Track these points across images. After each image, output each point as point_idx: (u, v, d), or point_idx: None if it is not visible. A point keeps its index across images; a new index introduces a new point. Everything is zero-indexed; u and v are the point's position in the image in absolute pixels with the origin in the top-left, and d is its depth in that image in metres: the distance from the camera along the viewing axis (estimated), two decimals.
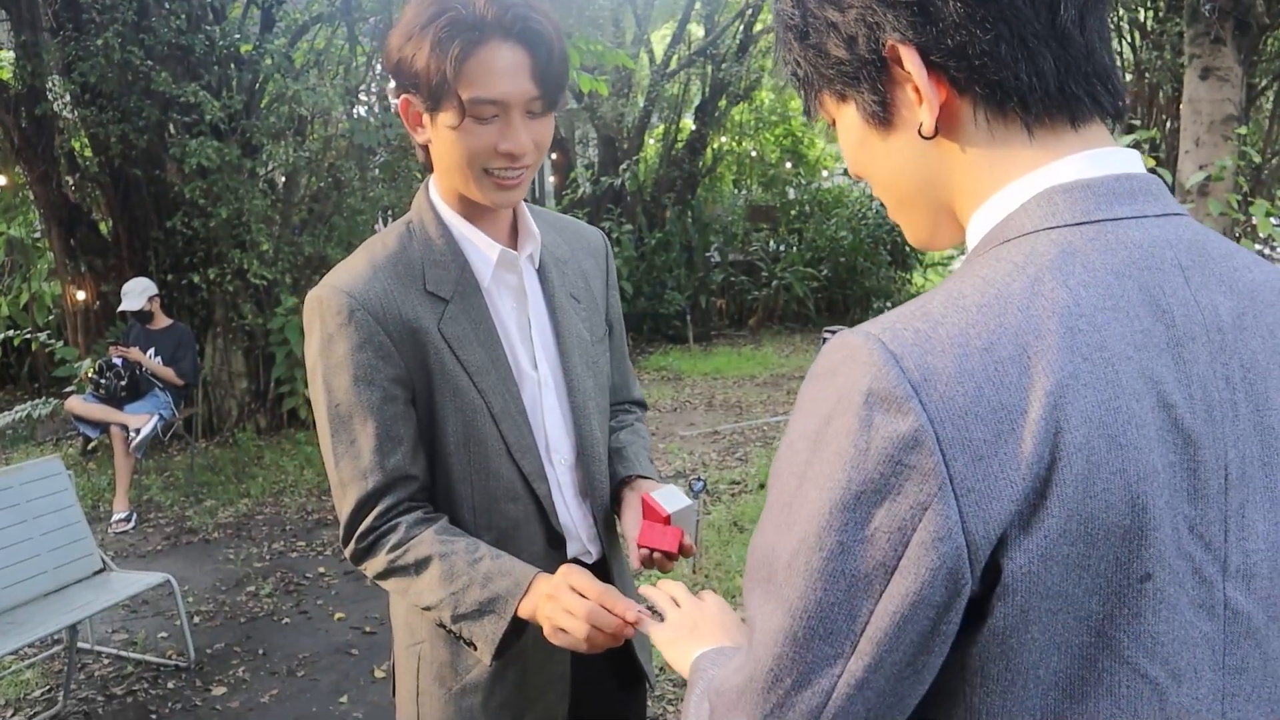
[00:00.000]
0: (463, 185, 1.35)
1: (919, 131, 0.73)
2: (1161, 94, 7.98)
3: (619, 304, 1.65)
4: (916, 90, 0.72)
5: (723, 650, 0.94)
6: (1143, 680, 0.67)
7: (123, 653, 3.99)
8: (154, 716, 3.50)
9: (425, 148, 1.38)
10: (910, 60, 0.71)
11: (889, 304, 12.77)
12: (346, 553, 1.39)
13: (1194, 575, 0.67)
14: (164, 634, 4.19)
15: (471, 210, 1.40)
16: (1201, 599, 0.68)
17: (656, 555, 1.39)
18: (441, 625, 1.35)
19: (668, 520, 1.38)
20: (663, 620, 1.15)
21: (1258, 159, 6.45)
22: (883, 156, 0.78)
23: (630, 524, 1.47)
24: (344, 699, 3.58)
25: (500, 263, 1.41)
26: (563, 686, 1.48)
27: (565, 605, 1.22)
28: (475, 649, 1.33)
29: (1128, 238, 0.69)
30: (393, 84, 1.35)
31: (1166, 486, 0.65)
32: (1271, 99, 10.36)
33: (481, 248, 1.40)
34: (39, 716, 3.49)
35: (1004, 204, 0.72)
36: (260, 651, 4.00)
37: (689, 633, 1.06)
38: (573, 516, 1.49)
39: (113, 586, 3.70)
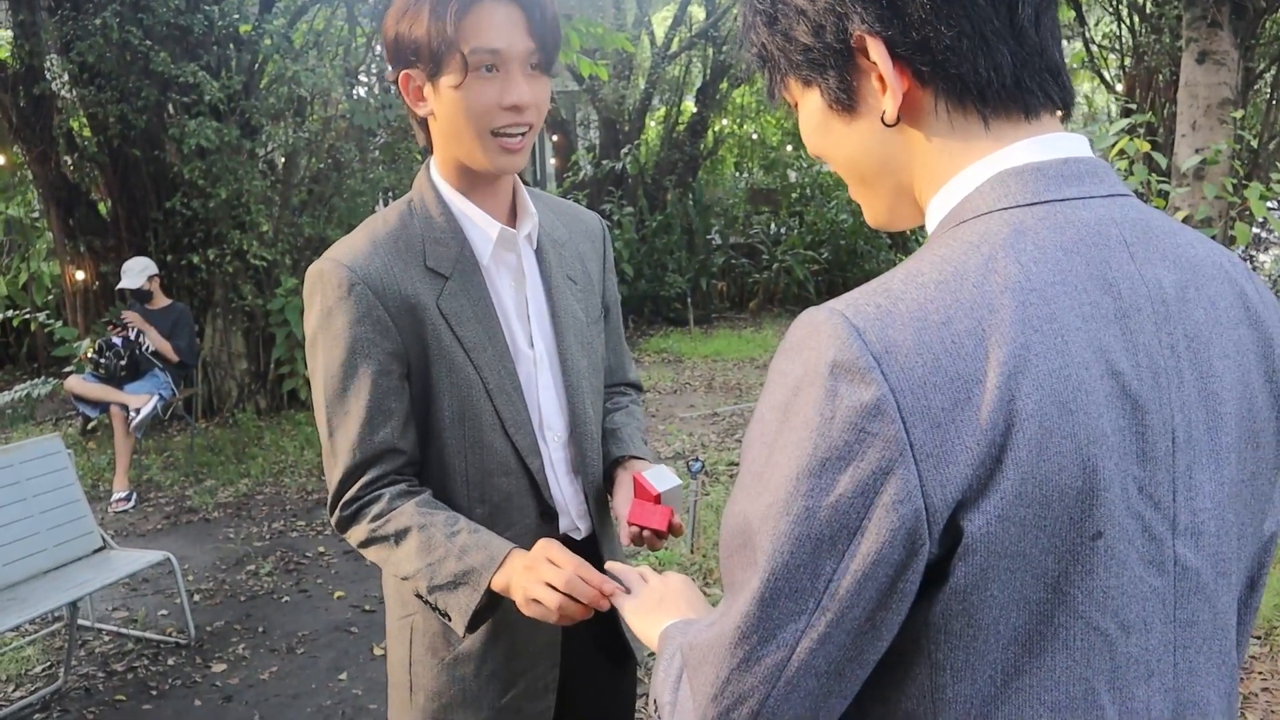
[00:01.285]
0: (467, 152, 1.37)
1: (881, 119, 0.76)
2: (1159, 77, 7.96)
3: (616, 287, 1.69)
4: (880, 79, 0.75)
5: (690, 621, 0.98)
6: (1094, 632, 0.71)
7: (123, 630, 4.03)
8: (154, 692, 3.54)
9: (425, 125, 1.41)
10: (877, 52, 0.74)
11: None
12: (331, 520, 1.43)
13: (1144, 533, 0.71)
14: (164, 612, 4.23)
15: (472, 186, 1.43)
16: (1151, 555, 0.72)
17: (646, 533, 1.41)
18: (418, 595, 1.38)
19: (658, 499, 1.41)
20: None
21: (1254, 142, 6.45)
22: (844, 140, 0.81)
23: (622, 503, 1.50)
24: (343, 675, 3.62)
25: (500, 241, 1.44)
26: (553, 656, 1.51)
27: (542, 576, 1.25)
28: (449, 620, 1.36)
29: (1076, 217, 0.73)
30: (390, 67, 1.38)
31: (1116, 449, 0.69)
32: (1269, 82, 10.33)
33: (482, 226, 1.43)
34: (40, 692, 3.53)
35: (960, 187, 0.76)
36: (260, 629, 4.04)
37: (656, 605, 1.10)
38: (564, 492, 1.52)
39: (113, 564, 3.74)
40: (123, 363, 5.89)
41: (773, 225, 13.72)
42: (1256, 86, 8.93)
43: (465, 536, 1.34)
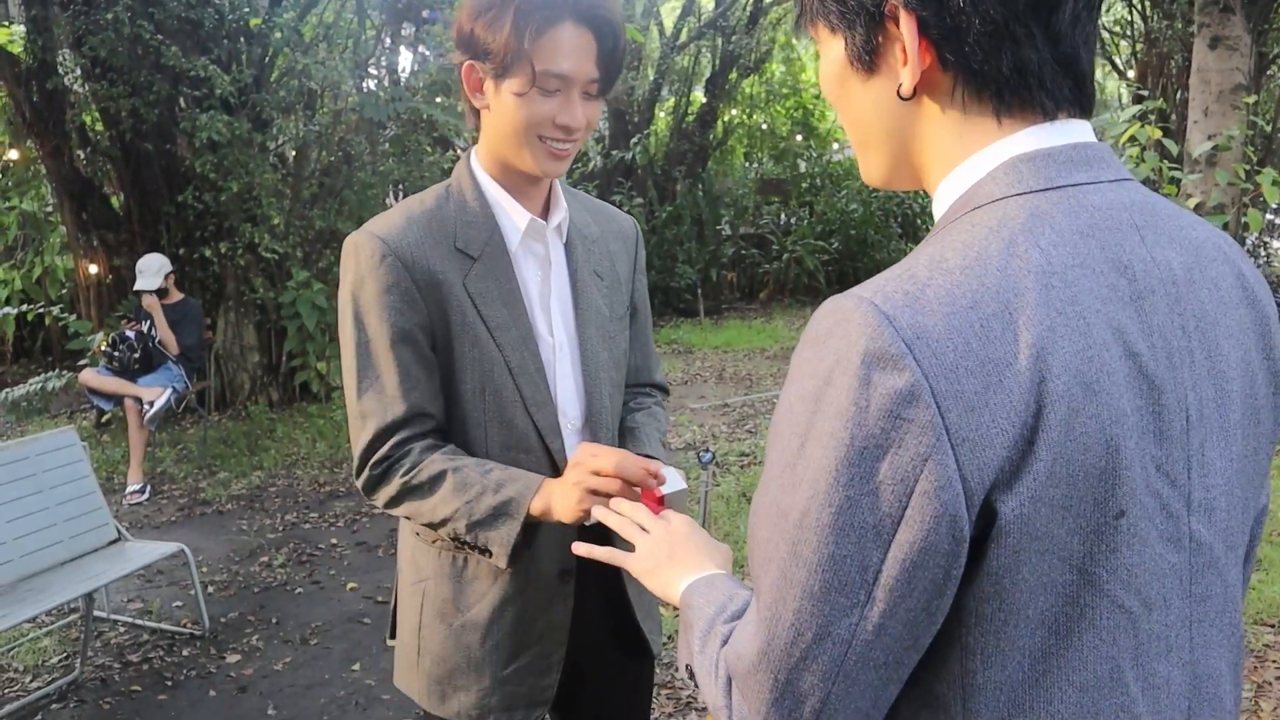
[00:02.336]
0: (514, 151, 1.44)
1: (898, 91, 0.77)
2: (1171, 63, 7.90)
3: (646, 290, 1.74)
4: (904, 51, 0.75)
5: (713, 582, 0.96)
6: (1120, 611, 0.71)
7: (138, 621, 4.06)
8: (169, 683, 3.57)
9: (478, 114, 1.47)
10: (906, 26, 0.74)
11: None
12: (359, 482, 1.46)
13: (1162, 511, 0.72)
14: (178, 603, 4.26)
15: (511, 180, 1.50)
16: (1169, 533, 0.73)
17: None
18: (456, 539, 1.42)
19: (660, 501, 1.41)
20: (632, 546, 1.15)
21: (1267, 128, 6.40)
22: (857, 97, 0.81)
23: None
24: (356, 666, 3.65)
25: (529, 231, 1.49)
26: (560, 636, 1.54)
27: (591, 466, 1.30)
28: (491, 556, 1.40)
29: (1088, 201, 0.73)
30: (457, 52, 1.44)
31: (1135, 429, 0.69)
32: None
33: (513, 215, 1.49)
34: (57, 683, 3.56)
35: (970, 173, 0.76)
36: (274, 620, 4.07)
37: (667, 559, 1.05)
38: None
39: (128, 556, 3.76)
40: (136, 356, 5.92)
41: (783, 215, 13.69)
42: (1269, 72, 8.86)
43: (499, 473, 1.39)
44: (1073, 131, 0.76)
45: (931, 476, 0.65)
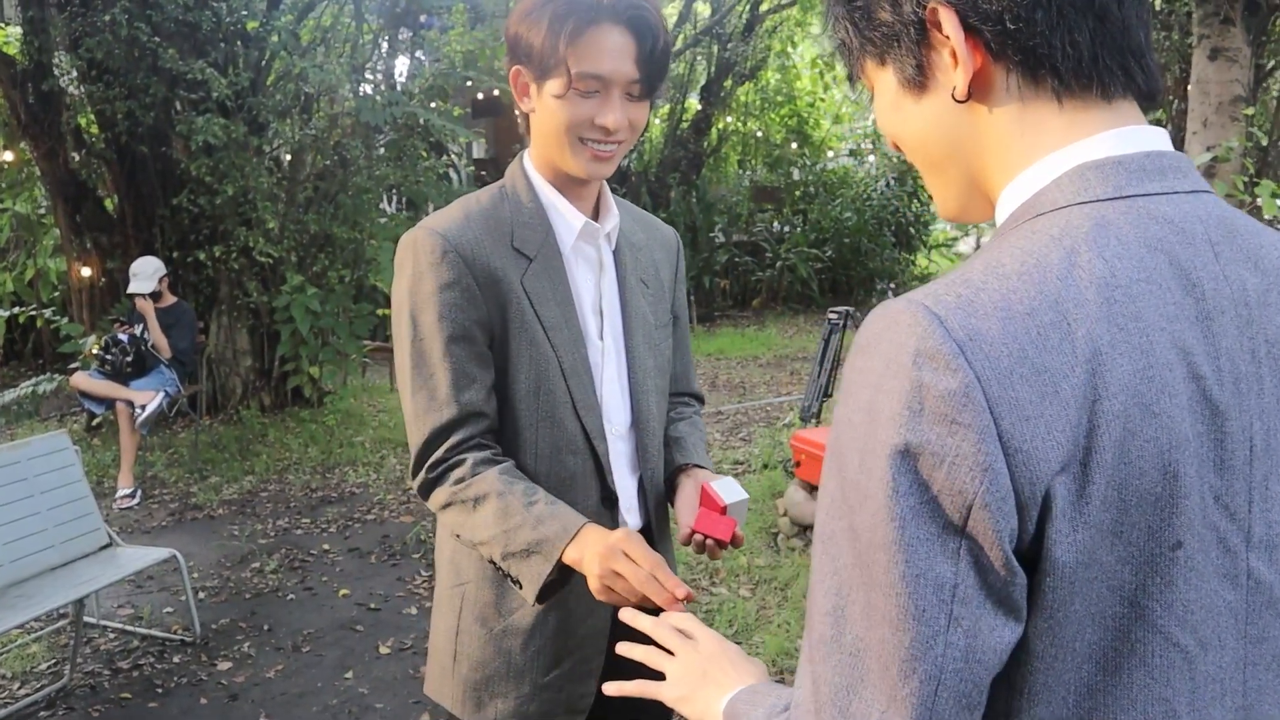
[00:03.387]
0: (559, 154, 1.44)
1: (952, 95, 0.75)
2: (1169, 74, 7.94)
3: (685, 299, 1.74)
4: (953, 54, 0.73)
5: (755, 689, 0.90)
6: (1174, 649, 0.68)
7: (128, 627, 4.02)
8: (160, 690, 3.52)
9: (527, 118, 1.47)
10: (949, 22, 0.72)
11: (893, 285, 12.76)
12: (414, 483, 1.45)
13: (1219, 545, 0.68)
14: (169, 609, 4.22)
15: (562, 182, 1.50)
16: (1226, 569, 0.69)
17: (710, 542, 1.43)
18: (491, 562, 1.40)
19: (724, 510, 1.42)
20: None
21: (1265, 140, 6.43)
22: (915, 119, 0.79)
23: (684, 509, 1.53)
24: (349, 674, 3.61)
25: (583, 234, 1.50)
26: (600, 643, 1.52)
27: (618, 569, 1.25)
28: (521, 588, 1.38)
29: (1159, 212, 0.70)
30: (507, 57, 1.45)
31: (1195, 456, 0.66)
32: (1279, 80, 10.29)
33: (567, 216, 1.50)
34: (45, 689, 3.52)
35: (1035, 179, 0.73)
36: (265, 627, 4.03)
37: (700, 682, 0.97)
38: (620, 482, 1.54)
39: (119, 561, 3.72)
40: (129, 359, 5.88)
41: (776, 223, 13.71)
42: (1267, 84, 8.90)
43: (542, 507, 1.36)
44: (1148, 139, 0.73)
45: (990, 489, 0.62)
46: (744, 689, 0.91)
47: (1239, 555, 0.70)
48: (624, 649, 1.11)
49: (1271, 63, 8.42)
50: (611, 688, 1.11)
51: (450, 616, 1.54)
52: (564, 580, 1.37)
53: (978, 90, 0.74)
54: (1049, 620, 0.65)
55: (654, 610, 1.25)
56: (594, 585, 1.29)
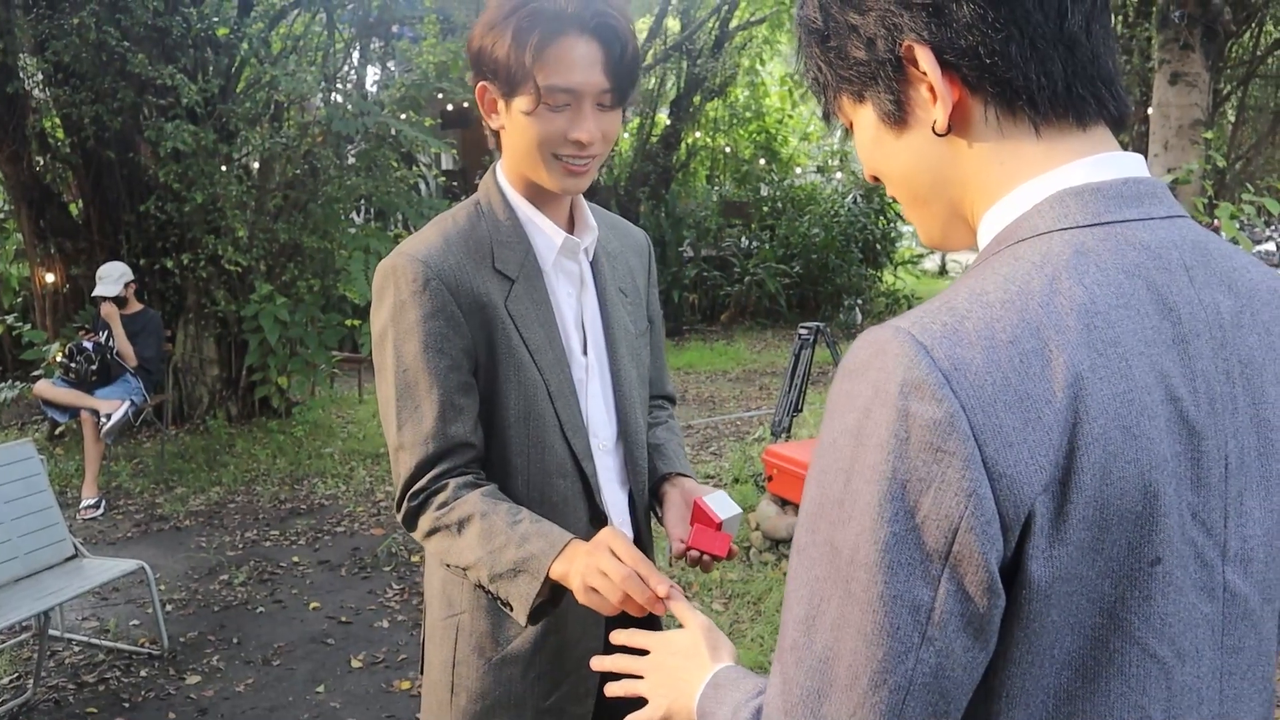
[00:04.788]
0: (532, 170, 1.42)
1: (932, 129, 0.76)
2: (1130, 98, 8.11)
3: (658, 302, 1.72)
4: (931, 89, 0.75)
5: (720, 685, 0.91)
6: (1152, 660, 0.70)
7: (94, 640, 3.96)
8: (126, 705, 3.47)
9: (497, 134, 1.44)
10: (925, 59, 0.74)
11: (860, 301, 12.87)
12: (399, 516, 1.42)
13: (1196, 559, 0.71)
14: (136, 622, 4.16)
15: (537, 195, 1.47)
16: (1203, 582, 0.72)
17: (705, 557, 1.43)
18: (480, 587, 1.37)
19: (719, 526, 1.42)
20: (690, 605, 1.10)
21: (1222, 163, 6.58)
22: (897, 154, 0.81)
23: (674, 522, 1.52)
24: (320, 688, 3.58)
25: (563, 249, 1.47)
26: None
27: (602, 566, 1.23)
28: (511, 610, 1.35)
29: (1136, 239, 0.73)
30: (472, 72, 1.42)
31: (1174, 475, 0.69)
32: (1235, 104, 10.55)
33: (547, 232, 1.47)
34: (8, 704, 3.45)
35: (1015, 205, 0.75)
36: (235, 640, 3.98)
37: (675, 688, 0.98)
38: (610, 498, 1.54)
39: (85, 573, 3.67)
40: (93, 367, 5.79)
41: (745, 238, 13.78)
42: (1223, 108, 9.12)
43: (527, 525, 1.33)
44: (1124, 165, 0.75)
45: (975, 513, 0.64)
46: (708, 685, 0.93)
47: (1215, 569, 0.72)
48: (597, 664, 1.12)
49: (1228, 88, 8.64)
50: (599, 661, 1.12)
51: (445, 648, 1.51)
52: (556, 600, 1.35)
53: (957, 123, 0.76)
54: (1025, 629, 0.68)
55: (637, 620, 1.26)
56: (576, 584, 1.26)
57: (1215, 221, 5.05)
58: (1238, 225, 5.22)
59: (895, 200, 0.86)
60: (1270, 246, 19.09)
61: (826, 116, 0.86)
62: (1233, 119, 10.97)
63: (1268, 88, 12.26)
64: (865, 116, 0.82)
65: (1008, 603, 0.67)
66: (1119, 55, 0.83)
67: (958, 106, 0.75)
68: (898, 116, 0.79)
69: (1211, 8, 5.47)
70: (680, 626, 1.08)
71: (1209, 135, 5.43)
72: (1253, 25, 9.89)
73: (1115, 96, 0.76)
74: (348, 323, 7.65)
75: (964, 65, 0.74)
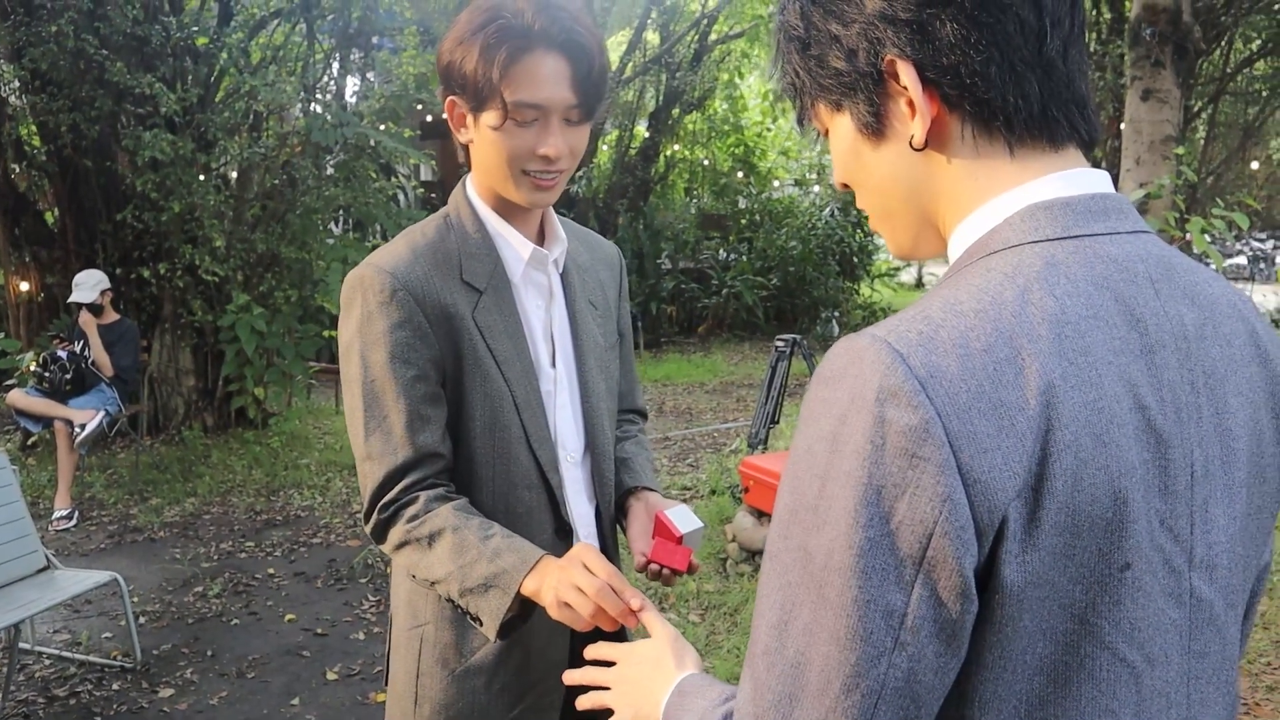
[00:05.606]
0: (500, 184, 1.42)
1: (910, 143, 0.78)
2: (1103, 114, 8.22)
3: (629, 315, 1.73)
4: (910, 104, 0.77)
5: (685, 693, 0.92)
6: (1122, 664, 0.72)
7: (65, 653, 3.91)
8: (98, 718, 3.43)
9: (466, 148, 1.45)
10: (907, 75, 0.75)
11: (837, 313, 12.95)
12: (368, 527, 1.42)
13: (1164, 565, 0.73)
14: (108, 634, 4.11)
15: (506, 208, 1.48)
16: (1171, 588, 0.73)
17: (666, 571, 1.42)
18: (450, 601, 1.37)
19: (680, 540, 1.42)
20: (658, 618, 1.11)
21: (1194, 178, 6.68)
22: (872, 165, 0.82)
23: (637, 535, 1.52)
24: (295, 701, 3.55)
25: (531, 261, 1.48)
26: (560, 673, 1.49)
27: (575, 580, 1.24)
28: (481, 625, 1.35)
29: (1104, 252, 0.74)
30: (441, 86, 1.42)
31: (1142, 482, 0.70)
32: (1205, 120, 10.72)
33: (515, 245, 1.47)
34: None
35: (987, 218, 0.77)
36: (209, 653, 3.95)
37: (643, 699, 0.99)
38: (576, 511, 1.53)
39: (58, 585, 3.63)
40: (68, 377, 5.74)
41: (722, 251, 13.84)
42: (1194, 124, 9.26)
43: (499, 540, 1.33)
44: (1092, 181, 0.77)
45: (950, 518, 0.65)
46: (674, 693, 0.94)
47: (1183, 575, 0.74)
48: (569, 678, 1.13)
49: (1199, 104, 8.78)
50: (570, 676, 1.12)
51: (409, 659, 1.51)
52: (525, 615, 1.35)
53: (934, 138, 0.78)
54: (998, 634, 0.69)
55: (609, 634, 1.27)
56: (549, 600, 1.26)
57: (1187, 236, 5.13)
58: (1209, 239, 5.30)
59: (864, 211, 0.87)
60: (1241, 260, 19.40)
61: (800, 122, 0.87)
62: (1204, 135, 11.15)
63: (1237, 104, 12.47)
64: (842, 126, 0.83)
65: (981, 608, 0.68)
66: (1092, 75, 0.85)
67: (935, 122, 0.77)
68: (875, 128, 0.80)
69: (1182, 25, 5.56)
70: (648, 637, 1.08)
71: (1180, 151, 5.50)
72: (1222, 43, 10.07)
73: (1087, 120, 0.78)
74: (325, 333, 7.61)
75: (944, 83, 0.75)
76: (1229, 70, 10.58)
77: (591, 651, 1.12)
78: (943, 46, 0.74)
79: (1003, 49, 0.74)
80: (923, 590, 0.66)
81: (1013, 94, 0.75)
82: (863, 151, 0.82)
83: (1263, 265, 19.42)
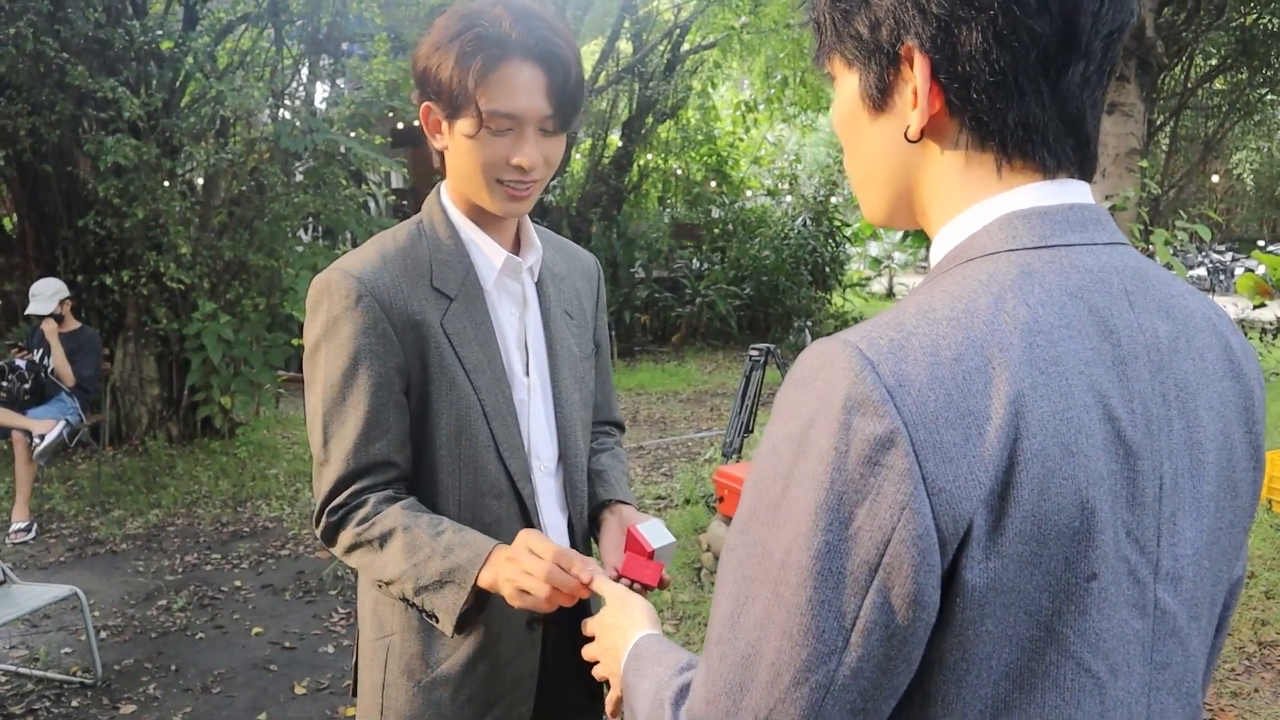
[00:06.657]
0: (474, 192, 1.42)
1: (905, 133, 0.78)
2: None
3: (606, 326, 1.72)
4: (914, 94, 0.76)
5: (641, 658, 0.96)
6: (1086, 674, 0.72)
7: (21, 669, 3.83)
8: None
9: (441, 154, 1.44)
10: (920, 67, 0.75)
11: (809, 322, 13.01)
12: (318, 531, 1.42)
13: (1129, 576, 0.73)
14: (68, 649, 4.03)
15: (480, 216, 1.47)
16: (1135, 599, 0.73)
17: (636, 586, 1.41)
18: (405, 600, 1.37)
19: (651, 555, 1.42)
20: (614, 579, 1.19)
21: (1157, 190, 6.78)
22: (865, 134, 0.82)
23: (610, 548, 1.51)
24: (262, 716, 3.49)
25: (504, 269, 1.47)
26: (530, 683, 1.50)
27: (525, 567, 1.25)
28: (437, 622, 1.35)
29: (1080, 262, 0.74)
30: (416, 92, 1.41)
31: (1110, 493, 0.70)
32: (1168, 134, 10.90)
33: (488, 252, 1.46)
34: None
35: (967, 224, 0.77)
36: (172, 668, 3.87)
37: (614, 663, 1.07)
38: (548, 521, 1.53)
39: (15, 599, 3.54)
40: (27, 386, 5.63)
41: (696, 260, 13.88)
42: (1157, 138, 9.40)
43: (450, 535, 1.34)
44: (1071, 192, 0.77)
45: (909, 525, 0.65)
46: (630, 656, 0.98)
47: (1148, 587, 0.74)
48: (589, 653, 1.18)
49: (1161, 118, 8.91)
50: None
51: (376, 671, 1.49)
52: (480, 607, 1.35)
53: (930, 132, 0.77)
54: (960, 636, 0.69)
55: (574, 611, 1.30)
56: (507, 591, 1.28)
57: (1150, 247, 5.20)
58: (1171, 251, 5.37)
59: (847, 173, 0.87)
60: (1202, 272, 19.70)
61: (818, 60, 0.86)
62: (1166, 148, 11.33)
63: (1198, 119, 12.70)
64: (848, 84, 0.82)
65: (942, 610, 0.68)
66: (1102, 113, 0.83)
67: (934, 120, 0.76)
68: (879, 101, 0.79)
69: (1145, 41, 5.64)
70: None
71: (1144, 164, 5.58)
72: (1184, 59, 10.25)
73: (1084, 155, 0.78)
74: (294, 342, 7.53)
75: (953, 88, 0.75)
76: (1190, 85, 10.77)
77: (586, 629, 1.18)
78: (961, 54, 0.73)
79: (1019, 73, 0.73)
80: (877, 596, 0.67)
81: (1013, 120, 0.74)
82: (860, 118, 0.82)
83: (1222, 277, 19.72)
